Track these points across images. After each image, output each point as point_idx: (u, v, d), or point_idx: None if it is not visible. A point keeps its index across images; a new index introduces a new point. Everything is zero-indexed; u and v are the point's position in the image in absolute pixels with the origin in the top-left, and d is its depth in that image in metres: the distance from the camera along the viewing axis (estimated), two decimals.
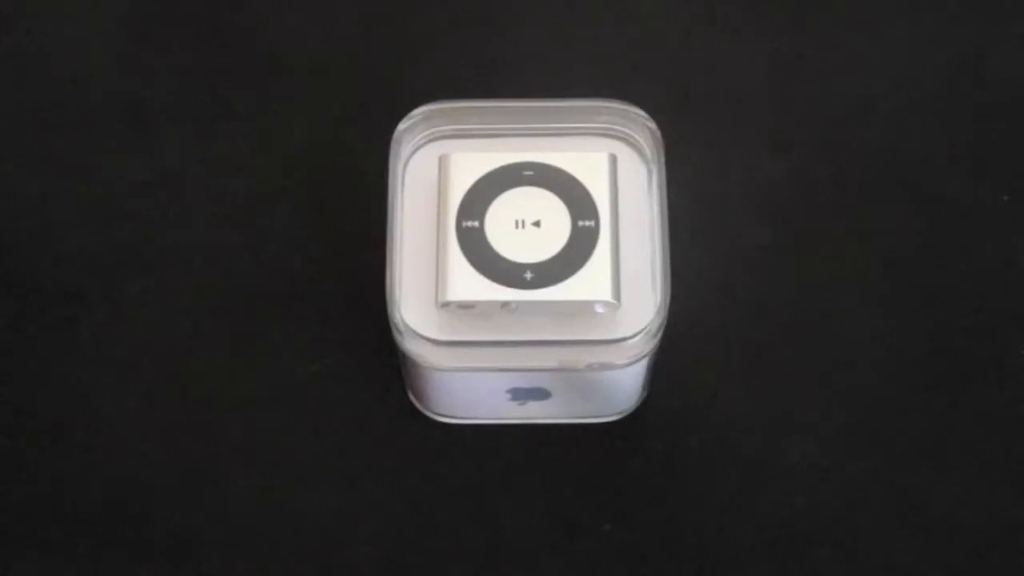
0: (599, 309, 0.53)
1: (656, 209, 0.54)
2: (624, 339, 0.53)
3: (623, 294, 0.53)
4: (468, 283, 0.53)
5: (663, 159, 0.55)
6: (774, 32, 0.65)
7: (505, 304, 0.53)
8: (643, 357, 0.55)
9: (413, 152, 0.55)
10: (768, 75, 0.64)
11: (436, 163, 0.55)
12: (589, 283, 0.53)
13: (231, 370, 0.59)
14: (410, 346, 0.54)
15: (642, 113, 0.55)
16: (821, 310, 0.60)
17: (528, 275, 0.53)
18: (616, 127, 0.56)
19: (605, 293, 0.53)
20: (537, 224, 0.54)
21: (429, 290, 0.53)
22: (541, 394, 0.57)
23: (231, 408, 0.59)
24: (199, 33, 0.65)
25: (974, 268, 0.61)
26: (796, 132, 0.63)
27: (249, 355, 0.59)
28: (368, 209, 0.59)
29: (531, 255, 0.53)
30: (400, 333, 0.53)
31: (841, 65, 0.64)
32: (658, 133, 0.55)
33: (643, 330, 0.53)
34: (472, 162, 0.54)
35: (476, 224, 0.53)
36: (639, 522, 0.57)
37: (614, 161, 0.55)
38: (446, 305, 0.53)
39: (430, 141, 0.55)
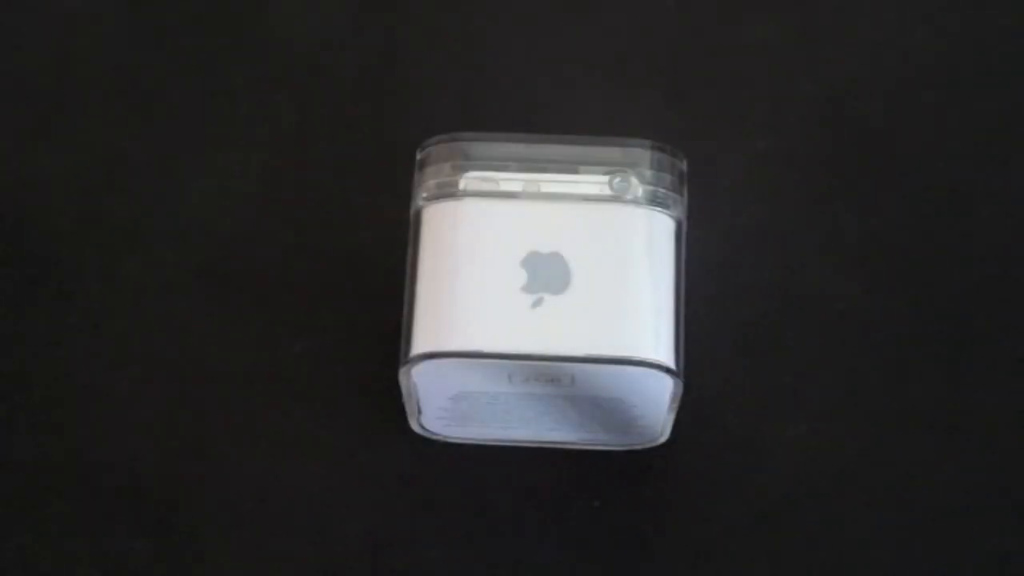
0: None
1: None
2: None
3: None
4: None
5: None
6: (771, 10, 0.65)
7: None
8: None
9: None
10: (765, 53, 0.64)
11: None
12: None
13: (226, 346, 0.59)
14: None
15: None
16: (812, 289, 0.60)
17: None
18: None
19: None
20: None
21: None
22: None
23: (225, 383, 0.58)
24: (201, 10, 0.64)
25: (967, 247, 0.61)
26: (790, 110, 0.63)
27: (244, 331, 0.59)
28: (367, 187, 0.59)
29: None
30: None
31: (836, 42, 0.64)
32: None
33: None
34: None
35: None
36: (628, 499, 0.57)
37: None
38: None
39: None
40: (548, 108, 0.62)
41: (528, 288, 0.52)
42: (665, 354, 0.52)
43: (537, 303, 0.52)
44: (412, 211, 0.54)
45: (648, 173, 0.54)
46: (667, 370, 0.52)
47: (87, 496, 0.57)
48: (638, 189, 0.53)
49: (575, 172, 0.54)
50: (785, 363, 0.59)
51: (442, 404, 0.54)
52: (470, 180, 0.53)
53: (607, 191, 0.53)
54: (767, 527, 0.56)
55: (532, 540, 0.56)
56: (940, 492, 0.57)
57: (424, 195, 0.54)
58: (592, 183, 0.54)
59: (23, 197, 0.61)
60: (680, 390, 0.53)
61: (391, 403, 0.56)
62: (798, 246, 0.61)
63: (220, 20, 0.64)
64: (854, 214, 0.61)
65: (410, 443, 0.57)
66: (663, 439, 0.56)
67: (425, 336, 0.52)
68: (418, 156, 0.54)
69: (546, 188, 0.53)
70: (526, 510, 0.57)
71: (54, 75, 0.63)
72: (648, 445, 0.56)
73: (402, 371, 0.53)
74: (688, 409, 0.57)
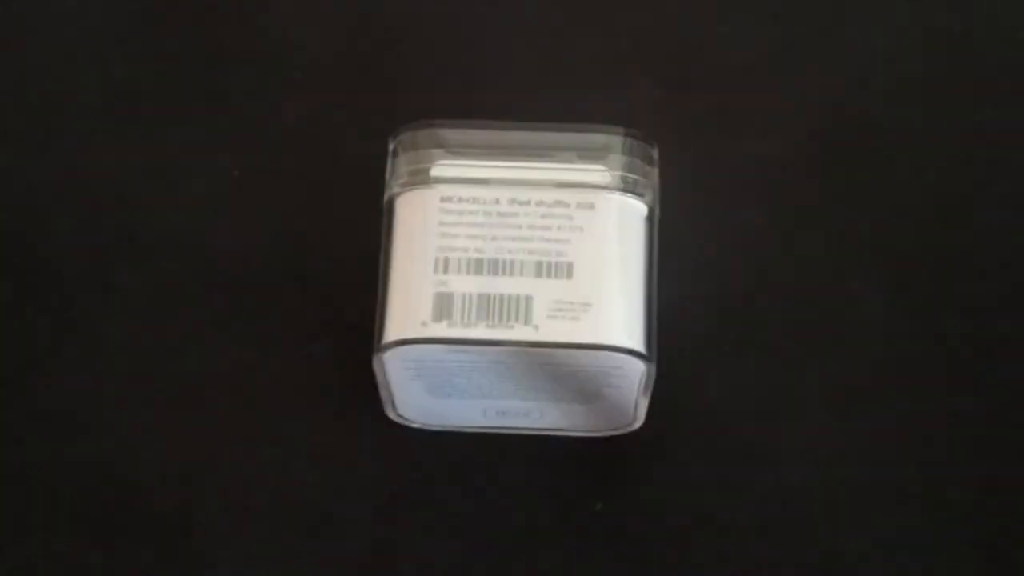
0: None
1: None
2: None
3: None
4: None
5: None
6: (765, 10, 0.64)
7: None
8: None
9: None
10: (760, 54, 0.64)
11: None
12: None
13: (224, 355, 0.59)
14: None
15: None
16: (816, 292, 0.60)
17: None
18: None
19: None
20: None
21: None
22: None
23: (224, 392, 0.58)
24: (193, 18, 0.64)
25: (969, 247, 0.60)
26: (792, 113, 0.63)
27: (242, 340, 0.59)
28: (361, 192, 0.59)
29: None
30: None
31: (835, 44, 0.64)
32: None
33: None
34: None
35: None
36: (631, 503, 0.57)
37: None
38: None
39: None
40: (537, 107, 0.62)
41: None
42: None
43: None
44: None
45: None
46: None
47: (87, 504, 0.57)
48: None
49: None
50: (788, 366, 0.59)
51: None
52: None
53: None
54: (769, 528, 0.56)
55: (528, 536, 0.57)
56: (943, 492, 0.57)
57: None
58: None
59: (18, 207, 0.61)
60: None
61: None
62: (803, 249, 0.60)
63: (214, 28, 0.64)
64: (861, 217, 0.61)
65: (413, 448, 0.57)
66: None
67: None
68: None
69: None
70: (534, 507, 0.57)
71: (49, 85, 0.63)
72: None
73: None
74: (690, 411, 0.58)
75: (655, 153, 0.55)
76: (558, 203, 0.53)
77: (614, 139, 0.54)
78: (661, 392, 0.56)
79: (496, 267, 0.52)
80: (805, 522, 0.57)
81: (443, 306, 0.52)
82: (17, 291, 0.60)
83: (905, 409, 0.58)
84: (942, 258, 0.60)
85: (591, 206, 0.53)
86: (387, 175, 0.54)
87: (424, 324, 0.52)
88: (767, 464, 0.57)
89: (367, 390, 0.57)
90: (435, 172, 0.53)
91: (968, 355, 0.59)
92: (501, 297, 0.52)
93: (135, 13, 0.64)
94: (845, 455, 0.57)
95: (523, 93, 0.63)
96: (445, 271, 0.52)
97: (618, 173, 0.53)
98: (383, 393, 0.55)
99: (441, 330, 0.52)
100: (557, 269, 0.52)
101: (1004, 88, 0.63)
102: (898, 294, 0.60)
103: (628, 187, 0.53)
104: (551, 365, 0.53)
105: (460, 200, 0.53)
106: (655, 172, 0.54)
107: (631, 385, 0.53)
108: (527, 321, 0.51)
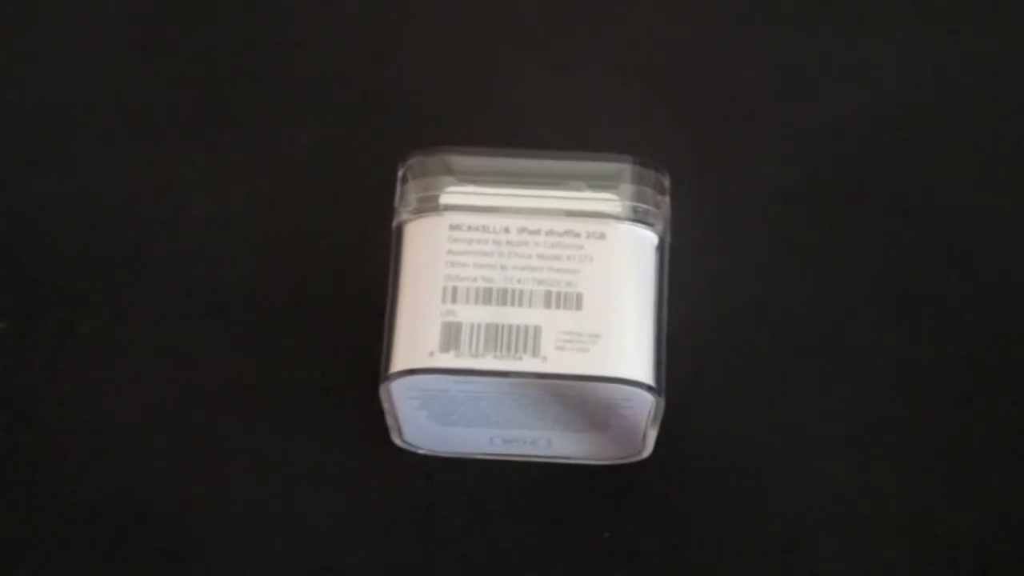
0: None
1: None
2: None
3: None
4: None
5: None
6: (776, 38, 0.64)
7: None
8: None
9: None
10: (771, 82, 0.63)
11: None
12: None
13: (231, 376, 0.59)
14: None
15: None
16: (824, 321, 0.60)
17: None
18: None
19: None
20: None
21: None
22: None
23: (231, 413, 0.58)
24: (202, 37, 0.64)
25: (982, 278, 0.60)
26: (800, 139, 0.62)
27: (249, 361, 0.59)
28: (369, 214, 0.59)
29: None
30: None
31: (845, 71, 0.64)
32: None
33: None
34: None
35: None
36: (639, 531, 0.57)
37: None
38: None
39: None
40: (548, 134, 0.62)
41: None
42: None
43: None
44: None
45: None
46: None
47: (90, 524, 0.57)
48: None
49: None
50: (797, 395, 0.58)
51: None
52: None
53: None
54: (778, 557, 0.56)
55: (535, 565, 0.56)
56: (951, 520, 0.57)
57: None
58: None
59: (25, 224, 0.61)
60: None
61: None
62: (812, 276, 0.60)
63: (226, 51, 0.64)
64: (870, 244, 0.61)
65: (422, 473, 0.57)
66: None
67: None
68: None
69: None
70: (542, 535, 0.57)
71: (56, 103, 0.63)
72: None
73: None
74: (698, 439, 0.57)
75: (666, 182, 0.54)
76: (568, 232, 0.53)
77: (625, 167, 0.54)
78: (670, 420, 0.56)
79: (505, 297, 0.52)
80: (814, 550, 0.56)
81: (451, 336, 0.51)
82: (21, 308, 0.60)
83: (913, 437, 0.58)
84: (950, 288, 0.60)
85: (601, 236, 0.53)
86: (396, 202, 0.54)
87: (431, 354, 0.51)
88: (775, 492, 0.57)
89: (374, 415, 0.56)
90: (444, 200, 0.53)
91: (976, 385, 0.59)
92: (509, 327, 0.51)
93: (146, 35, 0.64)
94: (854, 483, 0.57)
95: (533, 121, 0.62)
96: (453, 300, 0.52)
97: (629, 202, 0.53)
98: (389, 420, 0.55)
99: (448, 360, 0.51)
100: (566, 299, 0.52)
101: (1018, 116, 0.63)
102: (906, 323, 0.60)
103: (639, 216, 0.53)
104: (559, 396, 0.52)
105: (469, 228, 0.53)
106: (666, 201, 0.54)
107: (640, 416, 0.53)
108: (535, 352, 0.51)
